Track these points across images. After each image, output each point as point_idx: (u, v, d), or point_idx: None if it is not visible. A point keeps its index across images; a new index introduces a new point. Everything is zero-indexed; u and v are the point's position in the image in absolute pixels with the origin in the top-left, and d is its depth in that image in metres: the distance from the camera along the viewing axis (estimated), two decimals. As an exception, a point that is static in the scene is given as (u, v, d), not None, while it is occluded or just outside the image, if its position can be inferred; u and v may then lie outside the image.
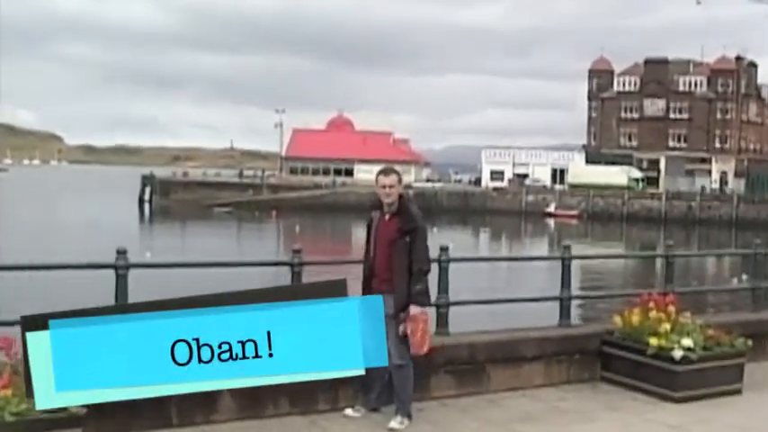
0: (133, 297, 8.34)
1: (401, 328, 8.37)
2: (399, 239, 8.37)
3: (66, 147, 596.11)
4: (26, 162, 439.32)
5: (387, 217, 8.59)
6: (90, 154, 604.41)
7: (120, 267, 8.28)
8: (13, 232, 57.83)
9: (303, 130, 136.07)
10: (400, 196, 8.56)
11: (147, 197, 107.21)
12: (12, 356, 6.77)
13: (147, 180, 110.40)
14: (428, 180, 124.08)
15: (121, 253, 8.33)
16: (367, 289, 8.60)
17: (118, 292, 8.31)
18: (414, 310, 8.31)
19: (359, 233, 73.93)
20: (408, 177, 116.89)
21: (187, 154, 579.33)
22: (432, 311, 9.96)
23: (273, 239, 71.74)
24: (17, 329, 7.55)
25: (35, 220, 71.52)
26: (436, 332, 9.81)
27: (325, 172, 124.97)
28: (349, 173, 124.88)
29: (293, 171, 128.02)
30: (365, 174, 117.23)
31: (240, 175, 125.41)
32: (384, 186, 8.56)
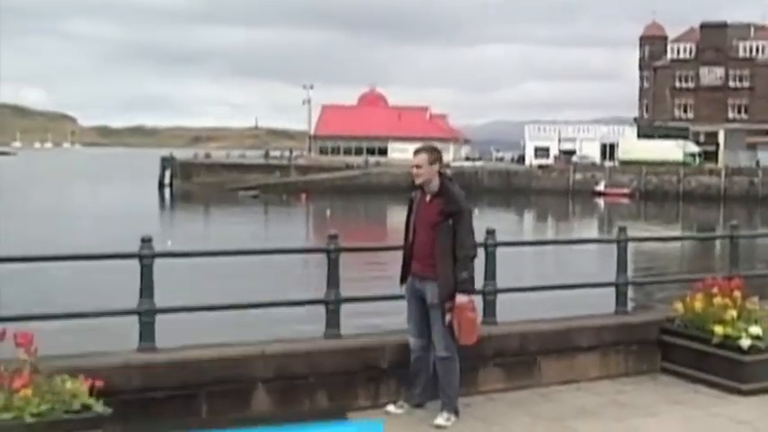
0: (159, 288, 8.40)
1: (447, 318, 8.37)
2: (442, 222, 8.33)
3: (79, 128, 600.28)
4: (37, 145, 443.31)
5: (428, 198, 8.56)
6: (105, 136, 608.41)
7: (146, 257, 8.32)
8: (16, 221, 58.30)
9: (333, 107, 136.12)
10: (441, 175, 8.53)
11: (167, 181, 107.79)
12: (31, 354, 6.81)
13: (166, 162, 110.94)
14: (467, 158, 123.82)
15: (146, 241, 8.36)
16: (406, 273, 8.61)
17: (143, 283, 8.35)
18: (460, 298, 8.29)
19: (394, 217, 73.90)
20: (447, 156, 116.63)
21: (209, 134, 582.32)
22: (477, 299, 9.93)
23: (303, 224, 71.99)
24: (37, 325, 7.66)
25: (43, 208, 72.07)
26: (483, 321, 9.78)
27: (357, 151, 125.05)
28: (382, 152, 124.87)
29: (323, 151, 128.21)
30: (400, 152, 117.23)
31: (266, 155, 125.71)
32: (412, 166, 8.60)
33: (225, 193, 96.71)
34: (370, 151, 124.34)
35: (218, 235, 54.01)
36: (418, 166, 8.52)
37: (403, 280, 8.69)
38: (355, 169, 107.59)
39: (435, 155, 8.59)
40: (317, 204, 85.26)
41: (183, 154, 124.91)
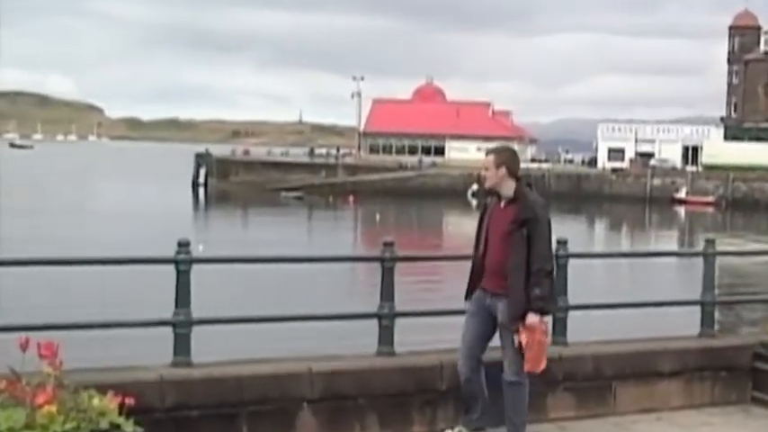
0: (196, 295, 8.44)
1: (516, 339, 8.30)
2: (515, 232, 8.25)
3: (106, 120, 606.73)
4: (60, 138, 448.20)
5: (502, 204, 8.50)
6: (135, 128, 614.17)
7: (182, 262, 8.37)
8: (32, 220, 58.92)
9: (385, 101, 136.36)
10: (518, 179, 8.48)
11: (201, 180, 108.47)
12: (56, 366, 6.83)
13: (201, 159, 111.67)
14: (533, 160, 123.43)
15: (183, 245, 8.42)
16: (474, 286, 8.56)
17: (179, 290, 8.40)
18: (531, 318, 8.18)
19: (451, 223, 73.92)
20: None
21: (248, 128, 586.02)
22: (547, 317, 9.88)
23: (350, 230, 72.13)
24: (62, 334, 7.71)
25: (63, 206, 72.77)
26: (553, 341, 9.72)
27: (411, 150, 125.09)
28: (439, 151, 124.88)
29: (373, 149, 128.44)
30: (458, 152, 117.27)
31: (311, 153, 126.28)
32: (482, 168, 8.66)
33: (265, 193, 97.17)
34: (426, 150, 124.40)
35: (257, 240, 54.21)
36: (486, 169, 8.51)
37: (469, 294, 8.63)
38: (409, 170, 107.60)
39: (503, 157, 8.53)
40: (366, 208, 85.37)
41: (219, 150, 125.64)
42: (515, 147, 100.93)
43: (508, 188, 8.43)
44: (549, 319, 8.65)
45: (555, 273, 8.49)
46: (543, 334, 8.29)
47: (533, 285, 8.15)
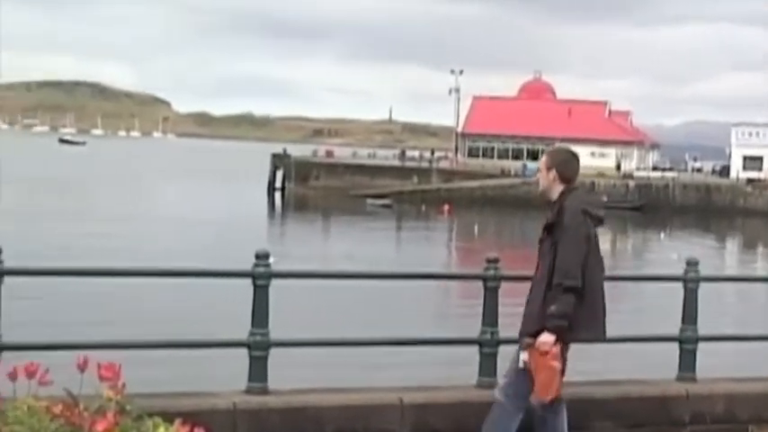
0: (274, 312, 8.49)
1: (521, 357, 8.20)
2: (544, 240, 8.36)
3: (173, 114, 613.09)
4: (122, 133, 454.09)
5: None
6: (204, 124, 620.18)
7: (261, 276, 8.43)
8: (88, 226, 59.76)
9: (487, 99, 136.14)
10: (569, 186, 8.46)
11: (278, 183, 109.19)
12: (118, 390, 6.90)
13: (278, 161, 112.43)
14: (655, 168, 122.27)
15: (261, 258, 8.48)
16: None
17: (255, 308, 8.46)
18: (543, 337, 8.09)
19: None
20: (628, 164, 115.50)
21: (331, 127, 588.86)
22: (673, 349, 9.79)
23: (443, 243, 72.10)
24: (123, 354, 7.81)
25: (123, 211, 73.70)
26: (679, 377, 9.63)
27: (516, 154, 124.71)
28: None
29: (472, 152, 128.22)
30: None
31: (401, 156, 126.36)
32: None
33: (349, 200, 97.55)
34: (532, 155, 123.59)
35: (338, 252, 54.40)
36: (538, 171, 8.70)
37: None
38: (512, 177, 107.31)
39: (556, 159, 8.60)
40: (463, 219, 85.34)
41: (298, 150, 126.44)
42: (635, 152, 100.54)
43: (554, 193, 8.48)
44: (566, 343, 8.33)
45: (581, 292, 8.11)
46: (555, 358, 8.12)
47: (549, 301, 8.11)
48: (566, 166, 8.54)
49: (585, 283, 8.12)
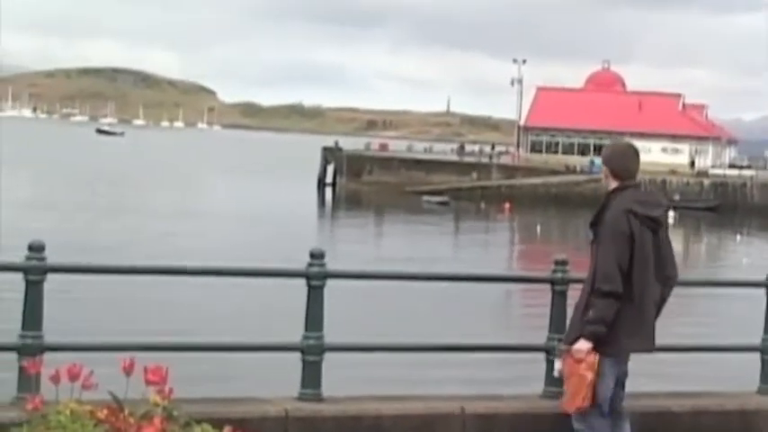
0: (329, 313, 8.52)
1: (556, 366, 8.24)
2: (592, 243, 8.33)
3: (219, 104, 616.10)
4: (165, 124, 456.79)
5: None
6: (251, 115, 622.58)
7: (315, 277, 8.47)
8: (130, 221, 60.15)
9: (551, 90, 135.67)
10: (622, 182, 8.36)
11: (329, 179, 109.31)
12: (165, 395, 6.93)
13: (329, 154, 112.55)
14: (732, 165, 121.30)
15: (316, 257, 8.50)
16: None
17: (309, 309, 8.48)
18: (578, 344, 8.04)
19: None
20: (703, 160, 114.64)
21: (386, 118, 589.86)
22: (754, 360, 9.71)
23: (504, 244, 71.91)
24: (170, 356, 7.86)
25: (168, 206, 74.13)
26: (759, 389, 9.56)
27: (582, 149, 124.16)
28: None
29: (535, 147, 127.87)
30: (641, 153, 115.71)
31: (460, 150, 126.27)
32: None
33: (403, 197, 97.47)
34: (599, 150, 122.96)
35: (392, 252, 54.40)
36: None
37: None
38: (579, 173, 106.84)
39: (609, 153, 8.63)
40: (525, 218, 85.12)
41: (351, 143, 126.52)
42: (710, 148, 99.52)
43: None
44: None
45: (625, 297, 7.98)
46: (589, 367, 8.02)
47: (587, 306, 8.09)
48: (617, 160, 8.48)
49: (632, 289, 8.02)
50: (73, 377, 6.50)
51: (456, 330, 17.44)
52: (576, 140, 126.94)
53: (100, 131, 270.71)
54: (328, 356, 8.59)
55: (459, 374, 13.96)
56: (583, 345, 7.98)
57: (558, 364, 8.17)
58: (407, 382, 10.35)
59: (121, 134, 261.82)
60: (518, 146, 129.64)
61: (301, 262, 8.60)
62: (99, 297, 26.34)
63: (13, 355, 8.05)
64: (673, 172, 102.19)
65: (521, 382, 9.72)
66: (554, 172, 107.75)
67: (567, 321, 9.19)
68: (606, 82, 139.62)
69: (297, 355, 8.55)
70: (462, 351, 9.85)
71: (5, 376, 8.11)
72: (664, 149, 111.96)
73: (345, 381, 9.20)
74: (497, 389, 9.98)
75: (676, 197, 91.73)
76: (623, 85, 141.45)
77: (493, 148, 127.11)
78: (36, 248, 7.98)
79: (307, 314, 8.50)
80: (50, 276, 8.01)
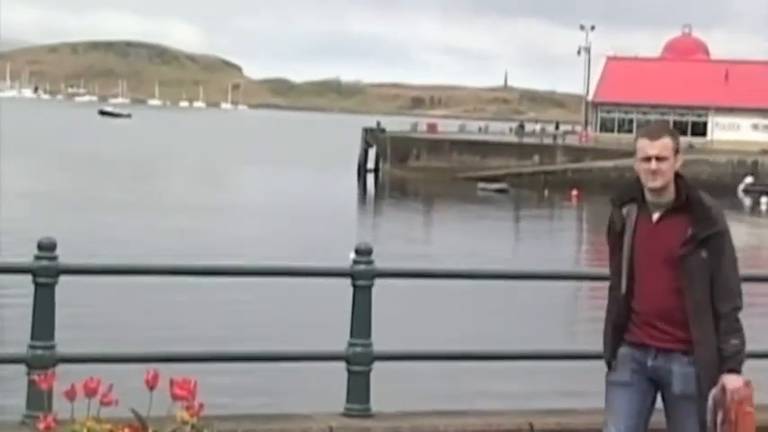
0: (376, 317, 8.57)
1: (709, 415, 7.57)
2: (691, 255, 7.51)
3: (245, 81, 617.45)
4: (184, 104, 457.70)
5: (656, 216, 7.73)
6: (282, 93, 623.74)
7: (362, 276, 8.51)
8: (140, 216, 60.41)
9: (624, 59, 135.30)
10: (677, 176, 7.65)
11: (371, 164, 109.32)
12: (194, 410, 6.98)
13: (371, 136, 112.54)
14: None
15: (363, 254, 8.54)
16: (617, 344, 7.82)
17: (355, 313, 8.52)
18: (734, 382, 7.48)
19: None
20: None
21: (434, 95, 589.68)
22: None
23: (571, 237, 71.89)
24: (198, 367, 7.92)
25: (184, 199, 74.48)
26: None
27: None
28: (699, 129, 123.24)
29: (606, 125, 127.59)
30: (726, 131, 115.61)
31: (519, 130, 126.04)
32: (647, 158, 7.65)
33: (456, 184, 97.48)
34: (680, 128, 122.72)
35: (443, 247, 54.46)
36: (660, 159, 7.61)
37: (613, 354, 7.83)
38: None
39: (677, 141, 7.72)
40: (595, 207, 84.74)
41: (395, 124, 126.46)
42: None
43: (671, 190, 7.68)
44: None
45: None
46: (750, 402, 7.55)
47: (727, 333, 7.51)
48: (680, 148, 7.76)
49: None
50: (90, 392, 6.57)
51: (519, 336, 17.43)
52: (653, 117, 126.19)
53: (103, 113, 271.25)
54: (377, 366, 8.62)
55: (524, 386, 13.97)
56: (738, 380, 7.48)
57: (711, 416, 7.46)
58: (466, 395, 10.37)
59: (128, 116, 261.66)
60: (586, 124, 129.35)
61: (342, 260, 8.62)
62: (118, 301, 26.50)
63: (21, 368, 8.13)
64: (765, 152, 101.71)
65: (594, 394, 9.69)
66: (626, 154, 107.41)
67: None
68: (686, 50, 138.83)
69: (342, 365, 8.59)
70: (527, 359, 9.85)
71: (14, 391, 8.20)
72: (755, 126, 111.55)
73: (396, 394, 9.23)
74: (569, 402, 9.99)
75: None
76: (706, 52, 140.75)
77: (557, 127, 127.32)
78: (46, 247, 8.02)
79: (352, 318, 8.53)
80: (63, 279, 8.06)
